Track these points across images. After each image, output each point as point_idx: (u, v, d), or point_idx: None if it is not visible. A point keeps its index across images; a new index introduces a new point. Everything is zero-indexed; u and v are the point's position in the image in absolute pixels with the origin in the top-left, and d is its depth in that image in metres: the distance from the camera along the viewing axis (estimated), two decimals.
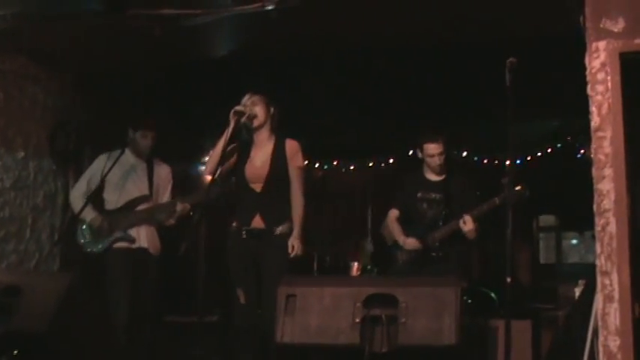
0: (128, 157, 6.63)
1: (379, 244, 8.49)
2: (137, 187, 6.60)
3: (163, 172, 6.80)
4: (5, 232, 6.65)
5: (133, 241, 6.46)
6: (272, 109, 5.84)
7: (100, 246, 6.42)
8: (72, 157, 7.34)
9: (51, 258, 7.10)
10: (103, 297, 6.27)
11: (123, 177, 6.56)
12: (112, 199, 6.56)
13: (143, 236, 6.53)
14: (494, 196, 6.14)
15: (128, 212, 6.50)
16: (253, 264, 5.71)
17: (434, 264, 6.31)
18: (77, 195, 6.56)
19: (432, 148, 6.37)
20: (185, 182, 7.47)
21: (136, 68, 7.17)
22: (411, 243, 6.43)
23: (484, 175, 7.57)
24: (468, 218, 6.15)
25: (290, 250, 5.68)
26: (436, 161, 6.37)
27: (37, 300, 4.80)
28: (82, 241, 6.49)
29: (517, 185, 5.98)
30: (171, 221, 6.55)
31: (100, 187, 6.50)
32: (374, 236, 8.85)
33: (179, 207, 6.44)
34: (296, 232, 5.72)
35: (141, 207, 6.55)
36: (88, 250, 6.47)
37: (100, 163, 6.56)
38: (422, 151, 6.44)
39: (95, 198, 6.48)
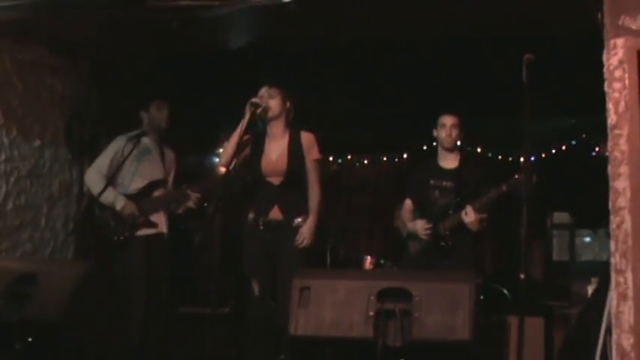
0: (143, 140, 6.64)
1: (391, 239, 8.53)
2: (152, 171, 6.61)
3: (170, 157, 6.82)
4: (21, 220, 6.67)
5: (156, 227, 6.48)
6: (288, 103, 5.85)
7: (126, 233, 6.40)
8: (88, 147, 7.35)
9: (65, 247, 7.13)
10: (117, 285, 6.28)
11: (137, 160, 6.56)
12: (126, 183, 6.55)
13: (162, 222, 6.55)
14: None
15: (148, 197, 6.50)
16: (269, 255, 5.72)
17: (444, 256, 6.28)
18: (95, 176, 6.50)
19: (447, 119, 6.33)
20: (200, 173, 7.48)
21: (153, 59, 7.18)
22: (420, 224, 6.38)
23: (498, 171, 7.55)
24: (469, 209, 6.12)
25: (298, 238, 5.71)
26: (447, 132, 6.33)
27: (51, 288, 4.83)
28: (107, 227, 6.47)
29: (521, 175, 5.95)
30: (180, 210, 6.56)
31: (117, 170, 6.49)
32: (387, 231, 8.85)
33: (192, 197, 6.44)
34: (310, 221, 5.75)
35: (157, 192, 6.56)
36: (115, 237, 6.44)
37: (119, 144, 6.57)
38: (437, 127, 6.43)
39: (110, 180, 6.47)
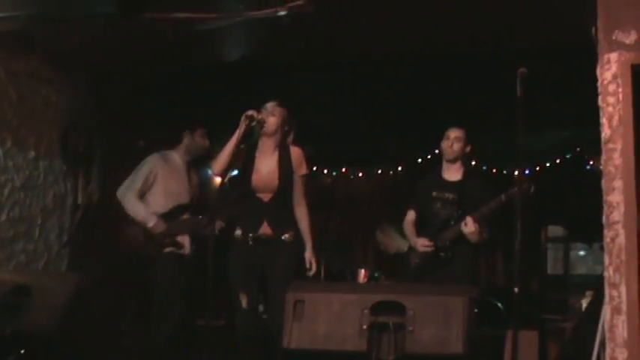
0: (174, 159, 6.65)
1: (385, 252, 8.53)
2: (180, 192, 6.57)
3: (195, 180, 6.81)
4: (15, 231, 6.66)
5: (182, 248, 6.47)
6: (287, 127, 5.84)
7: (154, 250, 6.38)
8: (82, 159, 7.35)
9: (59, 258, 7.12)
10: (112, 298, 6.27)
11: (167, 179, 6.56)
12: (155, 200, 6.50)
13: (187, 244, 6.53)
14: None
15: (175, 219, 6.48)
16: (258, 268, 5.70)
17: (442, 267, 6.30)
18: (129, 193, 6.45)
19: (452, 132, 6.38)
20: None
21: (149, 71, 7.19)
22: (422, 243, 6.41)
23: (493, 184, 7.57)
24: (469, 220, 6.14)
25: (308, 266, 5.73)
26: (451, 144, 6.37)
27: (45, 300, 4.82)
28: (135, 242, 6.43)
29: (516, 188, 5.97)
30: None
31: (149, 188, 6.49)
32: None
33: (217, 225, 6.39)
34: (309, 246, 5.77)
35: (184, 215, 6.54)
36: (143, 254, 6.42)
37: (153, 162, 6.56)
38: (443, 139, 6.46)
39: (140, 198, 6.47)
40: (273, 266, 5.65)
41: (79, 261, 7.11)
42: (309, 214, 5.85)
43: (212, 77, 7.29)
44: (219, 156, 5.70)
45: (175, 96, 7.77)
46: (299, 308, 4.74)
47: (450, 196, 6.40)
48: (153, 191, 6.51)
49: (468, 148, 6.45)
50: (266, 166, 5.78)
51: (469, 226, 6.14)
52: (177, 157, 6.67)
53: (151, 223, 6.33)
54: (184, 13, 5.55)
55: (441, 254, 6.32)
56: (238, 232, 5.80)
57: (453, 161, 6.45)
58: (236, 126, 5.57)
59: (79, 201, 7.13)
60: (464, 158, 6.50)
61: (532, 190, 5.93)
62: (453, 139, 6.38)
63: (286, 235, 5.71)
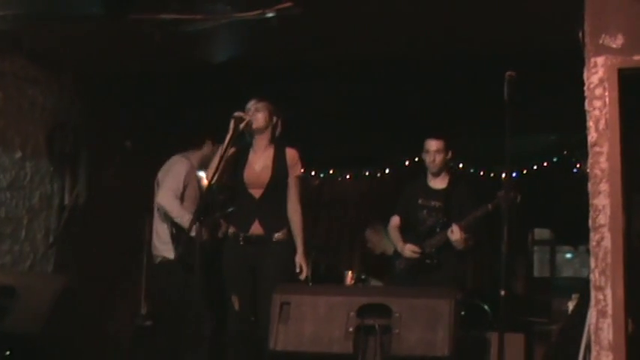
0: (194, 163, 6.66)
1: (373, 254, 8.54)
2: (196, 197, 6.57)
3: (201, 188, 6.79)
4: (0, 232, 6.63)
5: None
6: (275, 118, 5.84)
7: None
8: (69, 159, 7.32)
9: (45, 260, 7.08)
10: (99, 301, 6.25)
11: (193, 184, 6.57)
12: (187, 206, 6.44)
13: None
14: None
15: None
16: (249, 270, 5.70)
17: (428, 272, 6.33)
18: (173, 200, 6.39)
19: (431, 145, 6.41)
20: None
21: (135, 72, 7.17)
22: (409, 249, 6.45)
23: (480, 187, 7.58)
24: (455, 228, 6.17)
25: (298, 270, 5.73)
26: (432, 157, 6.40)
27: (31, 301, 4.81)
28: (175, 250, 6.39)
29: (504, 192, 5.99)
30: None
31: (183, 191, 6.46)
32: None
33: (223, 226, 6.35)
34: (301, 249, 5.76)
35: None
36: (169, 257, 6.40)
37: (184, 165, 6.56)
38: (424, 151, 6.48)
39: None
40: (263, 268, 5.65)
41: (65, 262, 7.08)
42: (302, 216, 5.85)
43: (199, 79, 7.28)
44: (212, 162, 5.70)
45: (162, 97, 7.75)
46: (285, 310, 4.74)
47: (435, 203, 6.44)
48: (185, 196, 6.48)
49: (449, 155, 6.47)
50: (260, 162, 5.79)
51: (455, 234, 6.17)
52: (195, 160, 6.65)
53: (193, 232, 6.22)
54: (171, 15, 5.55)
55: (427, 261, 6.36)
56: (231, 230, 5.80)
57: (436, 174, 6.49)
58: (223, 128, 5.57)
59: (66, 202, 7.09)
60: (447, 166, 6.53)
61: (518, 199, 5.95)
62: (434, 153, 6.41)
63: (278, 234, 5.71)
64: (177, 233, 6.33)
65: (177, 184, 6.45)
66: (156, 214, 6.59)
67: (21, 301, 4.78)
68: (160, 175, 6.63)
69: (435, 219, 6.40)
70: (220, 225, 6.34)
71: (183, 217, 6.23)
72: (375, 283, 7.76)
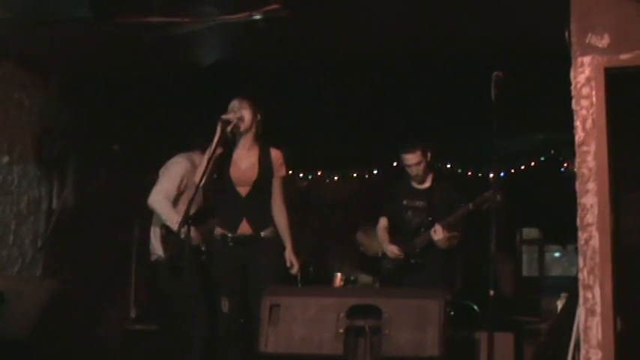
0: (196, 163, 6.43)
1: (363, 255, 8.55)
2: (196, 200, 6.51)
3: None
4: None
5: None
6: (258, 115, 5.85)
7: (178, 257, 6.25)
8: (57, 164, 7.30)
9: (34, 264, 7.06)
10: (88, 305, 6.24)
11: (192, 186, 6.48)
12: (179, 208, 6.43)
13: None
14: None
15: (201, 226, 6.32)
16: (240, 270, 5.70)
17: (414, 273, 6.36)
18: (163, 198, 6.28)
19: (408, 159, 6.44)
20: None
21: (123, 75, 7.16)
22: (392, 250, 6.48)
23: (468, 187, 7.59)
24: (438, 227, 6.21)
25: (289, 265, 5.74)
26: (414, 171, 6.45)
27: (19, 306, 4.80)
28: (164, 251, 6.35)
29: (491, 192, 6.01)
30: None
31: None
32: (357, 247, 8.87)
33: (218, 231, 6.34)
34: (289, 246, 5.78)
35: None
36: (168, 260, 6.28)
37: (183, 166, 6.44)
38: (403, 161, 6.51)
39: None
40: (254, 267, 5.65)
41: (53, 266, 7.06)
42: (288, 215, 5.85)
43: (186, 81, 7.27)
44: (200, 165, 5.70)
45: (150, 100, 7.74)
46: (275, 312, 4.74)
47: (420, 203, 6.47)
48: (183, 198, 6.31)
49: (429, 158, 6.48)
50: (245, 160, 5.79)
51: (438, 234, 6.21)
52: (198, 162, 6.49)
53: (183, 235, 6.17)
54: (159, 18, 5.54)
55: (412, 261, 6.38)
56: (219, 231, 5.79)
57: (420, 182, 6.51)
58: (211, 130, 5.57)
59: (54, 206, 7.07)
60: (430, 167, 6.54)
61: (499, 198, 5.96)
62: (414, 166, 6.44)
63: (266, 232, 5.72)
64: (167, 234, 6.31)
65: (172, 185, 6.36)
66: (154, 213, 6.55)
67: (9, 306, 4.77)
68: (160, 173, 6.56)
69: (420, 219, 6.42)
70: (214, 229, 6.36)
71: (172, 218, 6.14)
72: (366, 278, 7.79)
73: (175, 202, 6.32)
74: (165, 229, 6.32)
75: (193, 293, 5.94)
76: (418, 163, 6.42)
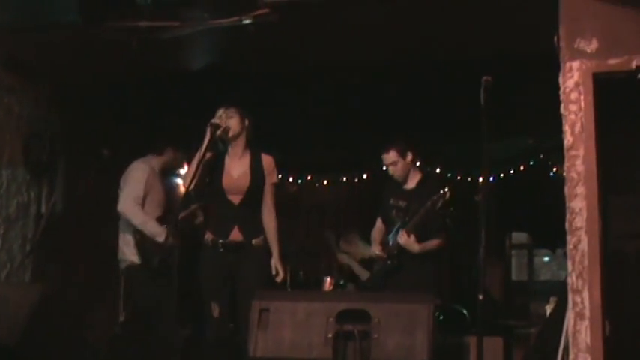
0: (155, 167, 6.61)
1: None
2: (159, 203, 6.55)
3: (165, 188, 6.80)
4: None
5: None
6: (246, 122, 5.85)
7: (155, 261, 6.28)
8: (46, 168, 7.28)
9: (22, 269, 7.03)
10: (77, 309, 6.22)
11: (156, 189, 6.53)
12: (150, 212, 6.43)
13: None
14: (462, 212, 6.18)
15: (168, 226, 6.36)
16: (229, 277, 5.70)
17: (395, 274, 6.33)
18: (135, 207, 6.34)
19: (384, 159, 6.44)
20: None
21: (112, 80, 7.15)
22: (374, 249, 6.50)
23: (457, 191, 7.61)
24: (402, 232, 6.17)
25: (274, 273, 5.75)
26: (391, 171, 6.43)
27: (8, 311, 4.79)
28: (140, 256, 6.34)
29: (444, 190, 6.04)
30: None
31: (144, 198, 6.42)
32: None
33: (199, 214, 6.41)
34: (276, 253, 5.79)
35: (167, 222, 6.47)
36: (145, 265, 6.30)
37: (145, 171, 6.51)
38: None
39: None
40: (242, 274, 5.65)
41: (42, 271, 7.03)
42: (278, 222, 5.85)
43: (176, 86, 7.26)
44: (189, 169, 5.70)
45: (139, 105, 7.73)
46: (264, 316, 4.74)
47: (403, 204, 6.45)
48: (148, 201, 6.44)
49: (409, 158, 6.45)
50: (237, 169, 5.80)
51: (402, 238, 6.17)
52: (157, 166, 6.62)
53: (161, 237, 6.22)
54: (148, 22, 5.54)
55: (388, 262, 6.36)
56: (209, 236, 5.79)
57: (402, 182, 6.51)
58: (201, 135, 5.57)
59: (43, 210, 7.04)
60: (413, 169, 6.52)
61: (447, 196, 5.97)
62: (390, 166, 6.43)
63: (256, 240, 5.73)
64: (142, 239, 6.31)
65: (137, 191, 6.41)
66: (122, 219, 6.56)
67: None
68: (122, 181, 6.60)
69: (402, 219, 6.40)
70: (197, 215, 6.38)
71: (147, 223, 6.24)
72: (361, 273, 7.82)
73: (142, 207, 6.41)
74: (140, 235, 6.32)
75: (174, 295, 5.95)
76: (394, 163, 6.39)
